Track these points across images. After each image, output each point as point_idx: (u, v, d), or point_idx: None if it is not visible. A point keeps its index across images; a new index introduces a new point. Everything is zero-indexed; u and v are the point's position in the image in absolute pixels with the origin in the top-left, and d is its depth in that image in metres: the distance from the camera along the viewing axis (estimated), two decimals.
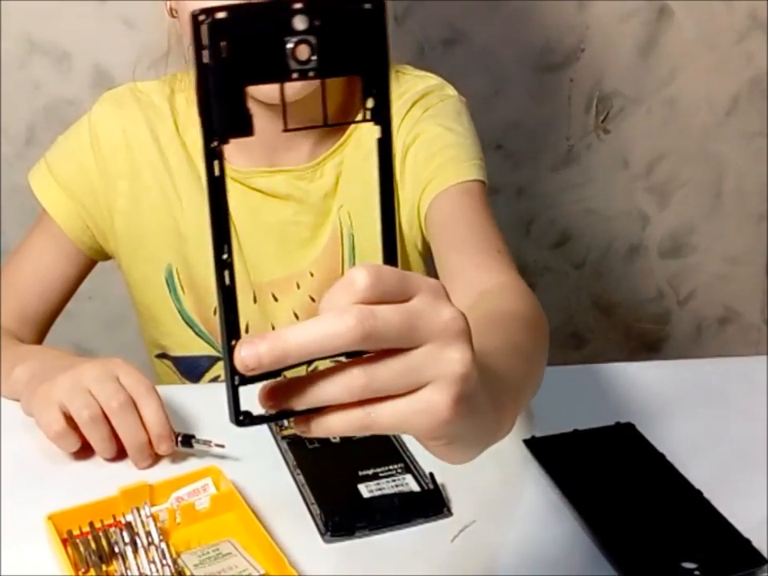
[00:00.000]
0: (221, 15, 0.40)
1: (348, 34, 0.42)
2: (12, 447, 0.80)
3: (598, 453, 0.79)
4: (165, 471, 0.76)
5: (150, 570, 0.64)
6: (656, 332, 1.79)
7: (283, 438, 0.81)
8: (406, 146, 0.94)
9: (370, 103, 0.43)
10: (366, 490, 0.74)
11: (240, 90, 0.41)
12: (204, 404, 0.84)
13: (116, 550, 0.66)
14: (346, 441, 0.80)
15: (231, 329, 0.42)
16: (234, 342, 0.42)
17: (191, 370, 1.01)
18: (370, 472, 0.76)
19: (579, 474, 0.76)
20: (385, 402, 0.43)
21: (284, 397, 0.43)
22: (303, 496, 0.74)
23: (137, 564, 0.65)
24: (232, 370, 0.42)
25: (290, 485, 0.75)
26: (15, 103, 1.44)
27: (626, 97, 1.60)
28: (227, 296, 0.43)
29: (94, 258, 1.01)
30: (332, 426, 0.43)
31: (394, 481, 0.75)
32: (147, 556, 0.65)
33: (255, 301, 0.97)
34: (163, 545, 0.66)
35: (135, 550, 0.66)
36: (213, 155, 0.42)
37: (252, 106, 0.41)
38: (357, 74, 0.43)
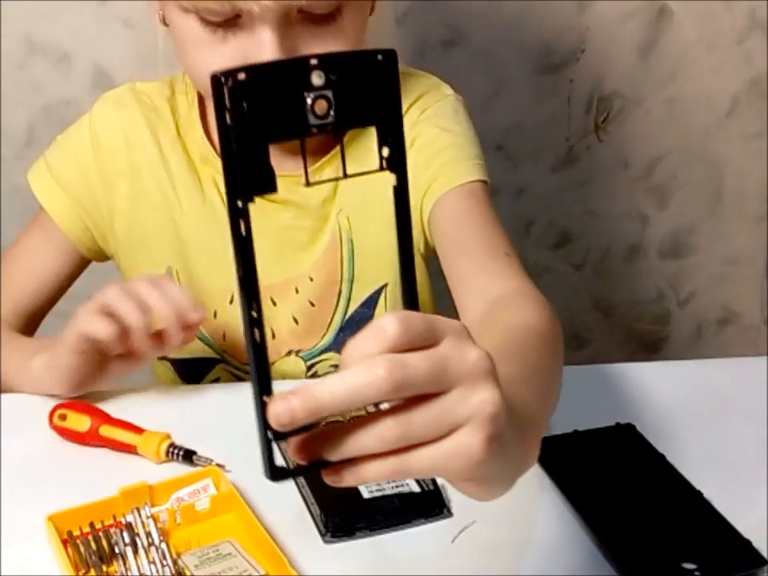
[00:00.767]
0: (242, 76, 0.40)
1: (363, 85, 0.43)
2: (12, 447, 0.80)
3: (598, 453, 0.79)
4: (165, 472, 0.76)
5: (150, 570, 0.64)
6: (656, 333, 1.79)
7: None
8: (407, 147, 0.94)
9: (385, 152, 0.45)
10: (366, 490, 0.74)
11: (263, 149, 0.42)
12: (204, 405, 0.84)
13: (116, 550, 0.66)
14: None
15: (263, 385, 0.43)
16: (266, 398, 0.42)
17: (190, 371, 1.01)
18: None
19: (579, 474, 0.76)
20: (419, 448, 0.43)
21: (316, 449, 0.43)
22: (303, 496, 0.74)
23: (137, 564, 0.65)
24: (265, 425, 0.42)
25: (290, 485, 0.75)
26: (15, 104, 1.44)
27: (625, 97, 1.60)
28: (258, 353, 0.43)
29: (93, 259, 1.01)
30: (367, 475, 0.44)
31: (394, 481, 0.74)
32: (147, 557, 0.65)
33: None
34: (163, 545, 0.66)
35: (135, 551, 0.66)
36: (239, 214, 0.42)
37: None
38: (372, 125, 0.44)
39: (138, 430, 0.79)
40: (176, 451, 0.77)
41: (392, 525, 0.71)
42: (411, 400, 0.43)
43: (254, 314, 0.42)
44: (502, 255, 0.88)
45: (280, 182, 1.04)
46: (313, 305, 0.97)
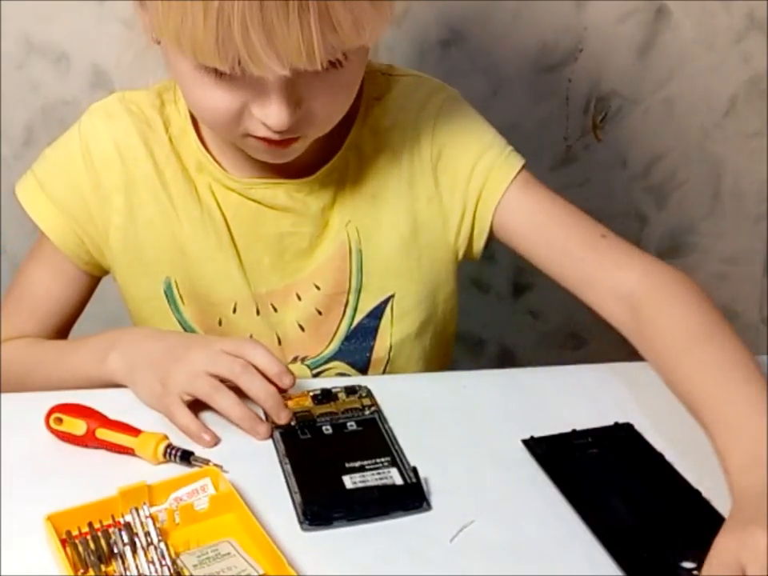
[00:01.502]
0: None
1: None
2: (11, 447, 0.80)
3: (596, 453, 0.79)
4: (164, 472, 0.76)
5: (149, 570, 0.64)
6: None
7: (276, 428, 0.81)
8: (433, 163, 0.95)
9: None
10: (350, 481, 0.75)
11: None
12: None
13: (115, 550, 0.66)
14: (337, 433, 0.81)
15: None
16: None
17: None
18: (357, 464, 0.76)
19: (578, 474, 0.76)
20: None
21: None
22: (288, 485, 0.75)
23: (136, 564, 0.65)
24: None
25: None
26: (13, 104, 1.44)
27: (623, 97, 1.60)
28: None
29: (92, 273, 0.99)
30: None
31: (378, 473, 0.76)
32: (146, 556, 0.65)
33: (258, 313, 0.95)
34: (162, 545, 0.66)
35: (134, 551, 0.66)
36: None
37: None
38: None
39: (134, 431, 0.79)
40: (173, 452, 0.77)
41: (370, 516, 0.72)
42: None
43: None
44: (600, 239, 0.92)
45: (281, 190, 1.04)
46: (320, 313, 0.96)
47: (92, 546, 0.66)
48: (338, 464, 0.76)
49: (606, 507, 0.72)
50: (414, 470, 0.75)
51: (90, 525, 0.68)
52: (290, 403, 0.83)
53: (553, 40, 1.53)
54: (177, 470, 0.76)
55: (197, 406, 0.82)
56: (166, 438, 0.78)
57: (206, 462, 0.76)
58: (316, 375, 0.97)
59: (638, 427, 0.82)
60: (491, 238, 0.97)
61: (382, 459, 0.77)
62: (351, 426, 0.82)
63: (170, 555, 0.65)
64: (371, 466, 0.76)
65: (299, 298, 0.96)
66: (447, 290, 0.99)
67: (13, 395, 0.87)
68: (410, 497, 0.73)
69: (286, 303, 0.96)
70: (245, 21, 0.70)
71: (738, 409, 0.73)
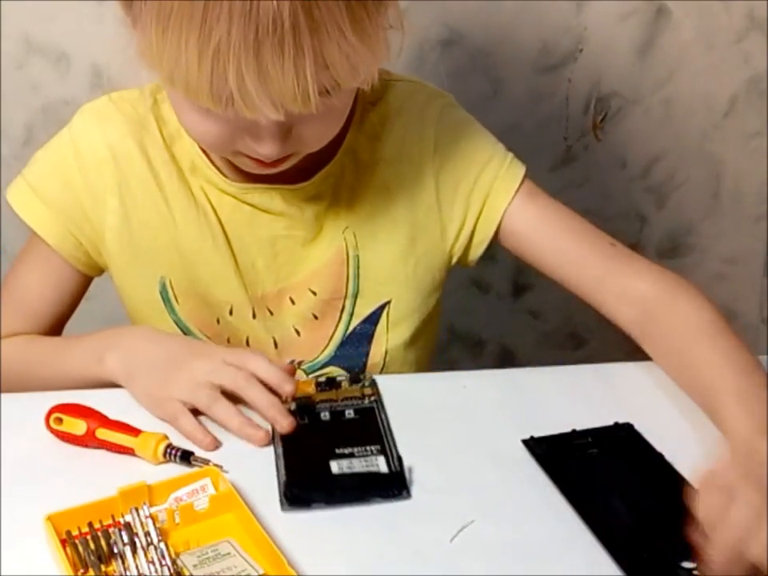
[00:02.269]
0: None
1: None
2: (11, 447, 0.80)
3: (596, 453, 0.79)
4: (164, 471, 0.76)
5: (149, 570, 0.64)
6: None
7: None
8: (435, 172, 0.95)
9: None
10: (336, 466, 0.76)
11: None
12: None
13: (115, 550, 0.66)
14: (334, 420, 0.83)
15: None
16: None
17: None
18: (347, 451, 0.78)
19: (578, 474, 0.76)
20: None
21: None
22: (277, 467, 0.76)
23: (136, 564, 0.65)
24: None
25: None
26: (13, 104, 1.44)
27: (623, 97, 1.60)
28: None
29: (89, 274, 0.98)
30: None
31: (366, 461, 0.77)
32: (146, 556, 0.65)
33: (254, 316, 0.95)
34: (162, 545, 0.66)
35: (134, 551, 0.66)
36: None
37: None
38: None
39: (134, 431, 0.79)
40: (173, 452, 0.77)
41: (349, 501, 0.73)
42: None
43: None
44: (609, 247, 0.95)
45: (277, 194, 1.04)
46: (316, 317, 0.96)
47: (92, 546, 0.66)
48: (329, 450, 0.78)
49: (606, 507, 0.72)
50: (399, 459, 0.76)
51: (90, 525, 0.68)
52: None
53: (553, 40, 1.53)
54: (177, 469, 0.76)
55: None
56: (166, 438, 0.78)
57: (206, 462, 0.76)
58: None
59: (637, 427, 0.82)
60: (491, 246, 0.98)
61: (372, 447, 0.78)
62: (349, 413, 0.83)
63: (170, 555, 0.65)
64: (360, 454, 0.77)
65: (293, 302, 0.96)
66: (437, 296, 1.00)
67: (13, 395, 0.87)
68: (390, 485, 0.74)
69: (280, 307, 0.96)
70: (240, 66, 0.69)
71: (748, 387, 0.77)
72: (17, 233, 1.01)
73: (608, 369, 0.93)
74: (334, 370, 0.96)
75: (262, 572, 0.65)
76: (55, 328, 0.99)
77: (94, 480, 0.74)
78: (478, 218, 0.96)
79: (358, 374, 0.89)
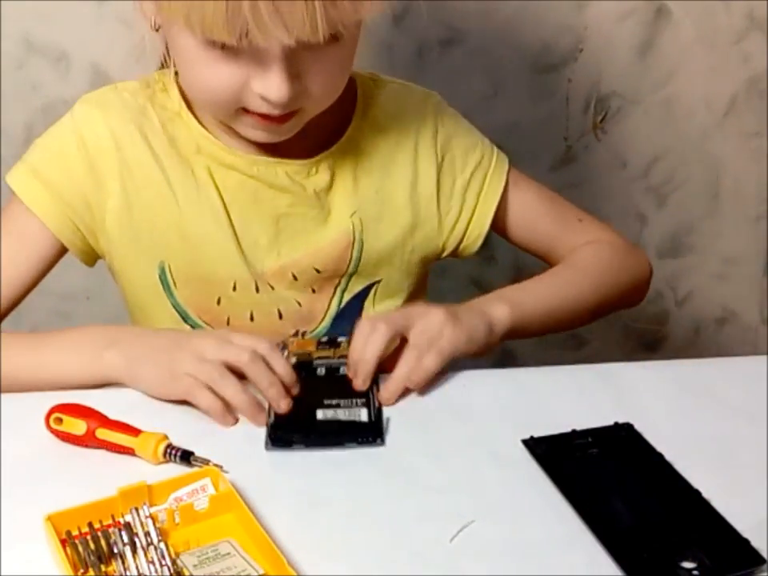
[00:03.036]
0: None
1: None
2: (11, 447, 0.80)
3: (596, 453, 0.79)
4: (164, 472, 0.76)
5: (149, 570, 0.64)
6: (654, 332, 1.79)
7: None
8: (438, 165, 1.01)
9: None
10: (321, 414, 0.83)
11: None
12: None
13: (115, 550, 0.66)
14: (329, 375, 0.89)
15: None
16: None
17: None
18: (333, 402, 0.84)
19: (578, 474, 0.76)
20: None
21: None
22: (268, 413, 0.82)
23: (136, 564, 0.65)
24: None
25: (290, 485, 0.76)
26: (13, 104, 1.44)
27: (623, 97, 1.60)
28: None
29: (83, 260, 0.99)
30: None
31: (349, 411, 0.83)
32: (146, 556, 0.65)
33: (258, 290, 0.98)
34: (162, 545, 0.66)
35: (134, 551, 0.66)
36: None
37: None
38: None
39: (134, 431, 0.79)
40: (173, 452, 0.77)
41: (325, 444, 0.79)
42: None
43: None
44: (576, 222, 1.08)
45: (281, 169, 1.08)
46: (314, 291, 1.00)
47: (92, 546, 0.66)
48: (317, 400, 0.84)
49: (606, 507, 0.72)
50: (379, 410, 0.83)
51: (90, 525, 0.68)
52: (295, 345, 0.91)
53: (553, 40, 1.53)
54: (177, 469, 0.76)
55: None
56: (166, 438, 0.78)
57: (206, 461, 0.76)
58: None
59: (637, 427, 0.82)
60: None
61: (358, 400, 0.85)
62: (343, 370, 0.89)
63: (170, 555, 0.65)
64: (345, 405, 0.84)
65: (295, 278, 0.99)
66: (424, 277, 1.07)
67: (13, 395, 0.87)
68: (366, 432, 0.81)
69: (281, 282, 0.98)
70: None
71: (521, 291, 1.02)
72: None
73: (608, 369, 0.93)
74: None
75: (261, 572, 0.65)
76: (13, 300, 0.97)
77: (94, 480, 0.74)
78: (472, 215, 1.03)
79: None
